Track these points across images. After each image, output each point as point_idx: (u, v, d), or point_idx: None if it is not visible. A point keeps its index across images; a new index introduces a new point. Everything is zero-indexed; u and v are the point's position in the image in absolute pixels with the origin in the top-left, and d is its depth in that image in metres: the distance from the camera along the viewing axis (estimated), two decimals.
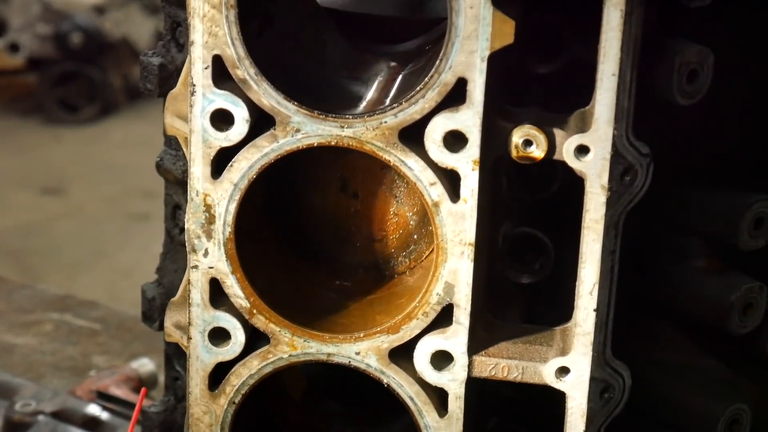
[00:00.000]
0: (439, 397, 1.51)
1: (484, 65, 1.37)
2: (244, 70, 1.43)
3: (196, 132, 1.46)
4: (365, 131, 1.42)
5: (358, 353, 1.51)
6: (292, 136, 1.44)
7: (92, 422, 2.35)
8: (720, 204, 1.61)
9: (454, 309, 1.46)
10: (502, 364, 1.50)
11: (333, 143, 1.44)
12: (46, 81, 9.03)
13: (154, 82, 1.69)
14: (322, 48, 1.63)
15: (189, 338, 1.54)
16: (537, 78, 1.57)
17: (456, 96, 1.39)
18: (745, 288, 1.59)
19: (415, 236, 1.59)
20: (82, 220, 7.07)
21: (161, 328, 1.70)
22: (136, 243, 6.48)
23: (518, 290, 1.66)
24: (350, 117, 1.43)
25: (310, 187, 1.61)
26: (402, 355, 1.50)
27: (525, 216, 1.64)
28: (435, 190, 1.42)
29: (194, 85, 1.45)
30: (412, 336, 1.49)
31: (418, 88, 1.39)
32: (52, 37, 8.71)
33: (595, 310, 1.44)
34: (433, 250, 1.53)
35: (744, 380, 1.73)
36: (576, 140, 1.40)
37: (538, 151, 1.41)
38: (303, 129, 1.44)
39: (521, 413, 1.71)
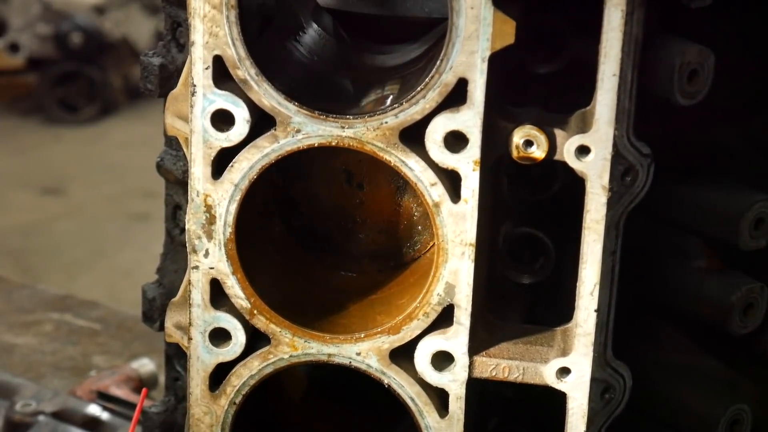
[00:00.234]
0: (439, 398, 1.51)
1: (485, 65, 1.37)
2: (244, 70, 1.42)
3: (196, 132, 1.46)
4: (366, 132, 1.42)
5: (358, 354, 1.51)
6: (293, 136, 1.44)
7: (92, 422, 2.35)
8: (720, 204, 1.60)
9: (455, 309, 1.46)
10: (502, 365, 1.49)
11: (333, 144, 1.44)
12: (46, 81, 9.02)
13: (154, 82, 1.69)
14: (323, 48, 1.63)
15: (189, 339, 1.54)
16: (538, 78, 1.57)
17: (457, 96, 1.39)
18: (745, 288, 1.59)
19: (419, 227, 1.60)
20: (82, 220, 7.07)
21: (162, 328, 1.70)
22: (136, 243, 6.48)
23: (519, 290, 1.66)
24: (351, 117, 1.43)
25: (315, 179, 1.62)
26: (403, 355, 1.50)
27: (526, 216, 1.64)
28: (436, 191, 1.42)
29: (195, 86, 1.44)
30: (413, 336, 1.49)
31: (418, 89, 1.39)
32: (52, 37, 8.71)
33: (596, 311, 1.44)
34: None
35: (745, 380, 1.73)
36: (577, 140, 1.40)
37: (538, 152, 1.41)
38: (303, 129, 1.44)
39: (522, 414, 1.71)
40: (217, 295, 1.51)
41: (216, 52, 1.42)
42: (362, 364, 1.51)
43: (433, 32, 1.60)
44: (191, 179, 1.48)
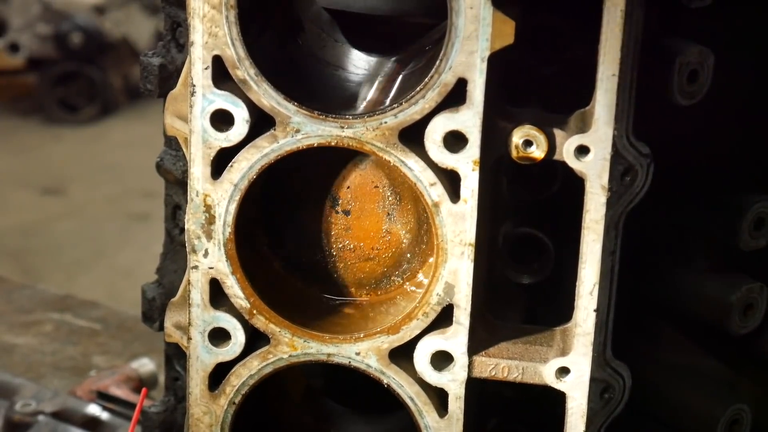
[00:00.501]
0: (439, 398, 1.51)
1: (484, 65, 1.37)
2: (244, 70, 1.42)
3: (196, 132, 1.46)
4: (365, 131, 1.42)
5: (358, 353, 1.51)
6: (292, 136, 1.44)
7: (92, 422, 2.35)
8: (720, 204, 1.61)
9: (454, 309, 1.46)
10: (502, 365, 1.50)
11: (333, 143, 1.44)
12: (46, 81, 9.03)
13: (154, 82, 1.69)
14: (322, 48, 1.63)
15: (189, 338, 1.54)
16: (537, 78, 1.57)
17: (456, 96, 1.39)
18: (745, 288, 1.59)
19: (408, 255, 1.57)
20: (82, 220, 7.07)
21: (161, 328, 1.70)
22: (136, 243, 6.48)
23: (518, 290, 1.66)
24: (350, 117, 1.43)
25: (302, 204, 1.58)
26: (402, 355, 1.50)
27: (525, 216, 1.64)
28: (435, 191, 1.42)
29: (194, 86, 1.44)
30: (412, 336, 1.49)
31: (418, 89, 1.39)
32: (52, 37, 8.71)
33: (595, 311, 1.44)
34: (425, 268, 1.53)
35: (744, 380, 1.73)
36: (576, 140, 1.40)
37: (538, 152, 1.41)
38: (303, 129, 1.44)
39: (521, 414, 1.71)
40: (217, 295, 1.51)
41: (215, 52, 1.42)
42: (361, 364, 1.51)
43: (433, 32, 1.59)
44: (191, 179, 1.48)
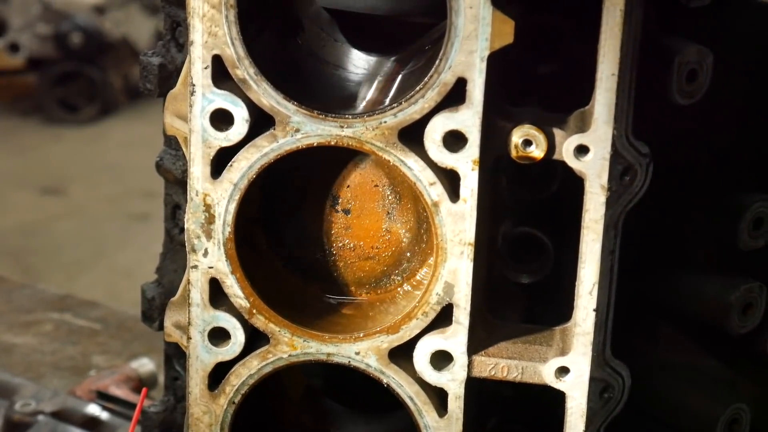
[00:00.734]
0: (438, 397, 1.51)
1: (484, 65, 1.37)
2: (243, 69, 1.43)
3: (195, 132, 1.46)
4: (365, 131, 1.42)
5: (357, 353, 1.51)
6: (292, 135, 1.44)
7: (92, 422, 2.35)
8: (719, 203, 1.61)
9: (454, 309, 1.46)
10: (501, 364, 1.50)
11: (332, 143, 1.44)
12: (46, 81, 9.03)
13: (153, 82, 1.69)
14: (322, 48, 1.63)
15: (189, 338, 1.54)
16: (536, 78, 1.57)
17: (455, 96, 1.39)
18: (744, 288, 1.59)
19: (408, 254, 1.57)
20: (82, 220, 7.07)
21: (161, 328, 1.70)
22: (136, 243, 6.48)
23: (518, 290, 1.66)
24: (350, 117, 1.43)
25: (302, 203, 1.58)
26: (401, 355, 1.50)
27: (524, 216, 1.64)
28: (434, 190, 1.42)
29: (194, 85, 1.45)
30: (412, 336, 1.49)
31: (417, 88, 1.39)
32: (52, 37, 8.71)
33: (594, 310, 1.44)
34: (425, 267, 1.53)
35: (744, 380, 1.73)
36: (575, 140, 1.40)
37: (537, 151, 1.41)
38: (302, 129, 1.44)
39: (521, 413, 1.71)
40: (216, 295, 1.51)
41: (215, 52, 1.42)
42: (361, 364, 1.51)
43: (433, 32, 1.60)
44: (190, 179, 1.48)
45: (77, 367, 2.93)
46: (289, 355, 1.53)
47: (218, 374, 1.55)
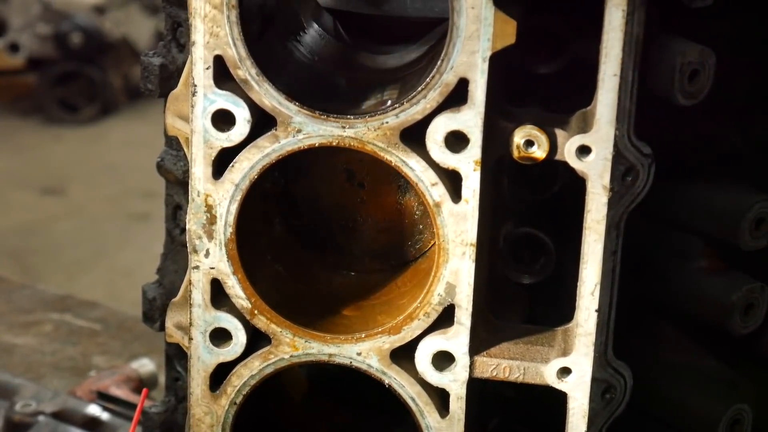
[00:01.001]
0: (440, 398, 1.51)
1: (486, 65, 1.37)
2: (245, 70, 1.42)
3: (197, 132, 1.46)
4: (367, 131, 1.42)
5: (359, 354, 1.51)
6: (294, 136, 1.44)
7: (92, 423, 2.35)
8: (721, 204, 1.60)
9: (456, 309, 1.46)
10: (503, 365, 1.49)
11: (334, 144, 1.44)
12: (46, 81, 9.02)
13: (154, 82, 1.69)
14: (323, 48, 1.63)
15: (190, 339, 1.54)
16: (538, 78, 1.57)
17: (457, 96, 1.39)
18: (746, 288, 1.59)
19: (421, 226, 1.60)
20: (82, 220, 7.07)
21: (162, 328, 1.70)
22: (136, 243, 6.48)
23: (519, 290, 1.66)
24: (352, 117, 1.43)
25: (317, 178, 1.62)
26: (403, 355, 1.50)
27: (526, 216, 1.64)
28: (436, 191, 1.42)
29: (195, 86, 1.44)
30: (414, 336, 1.49)
31: (419, 89, 1.39)
32: (52, 37, 8.71)
33: (596, 311, 1.44)
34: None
35: (745, 380, 1.73)
36: (577, 140, 1.40)
37: (539, 152, 1.41)
38: (304, 129, 1.44)
39: (522, 414, 1.71)
40: (218, 295, 1.51)
41: (217, 52, 1.42)
42: (363, 364, 1.51)
43: (434, 32, 1.59)
44: (192, 179, 1.48)
45: (77, 367, 2.93)
46: (291, 356, 1.53)
47: (220, 375, 1.54)
